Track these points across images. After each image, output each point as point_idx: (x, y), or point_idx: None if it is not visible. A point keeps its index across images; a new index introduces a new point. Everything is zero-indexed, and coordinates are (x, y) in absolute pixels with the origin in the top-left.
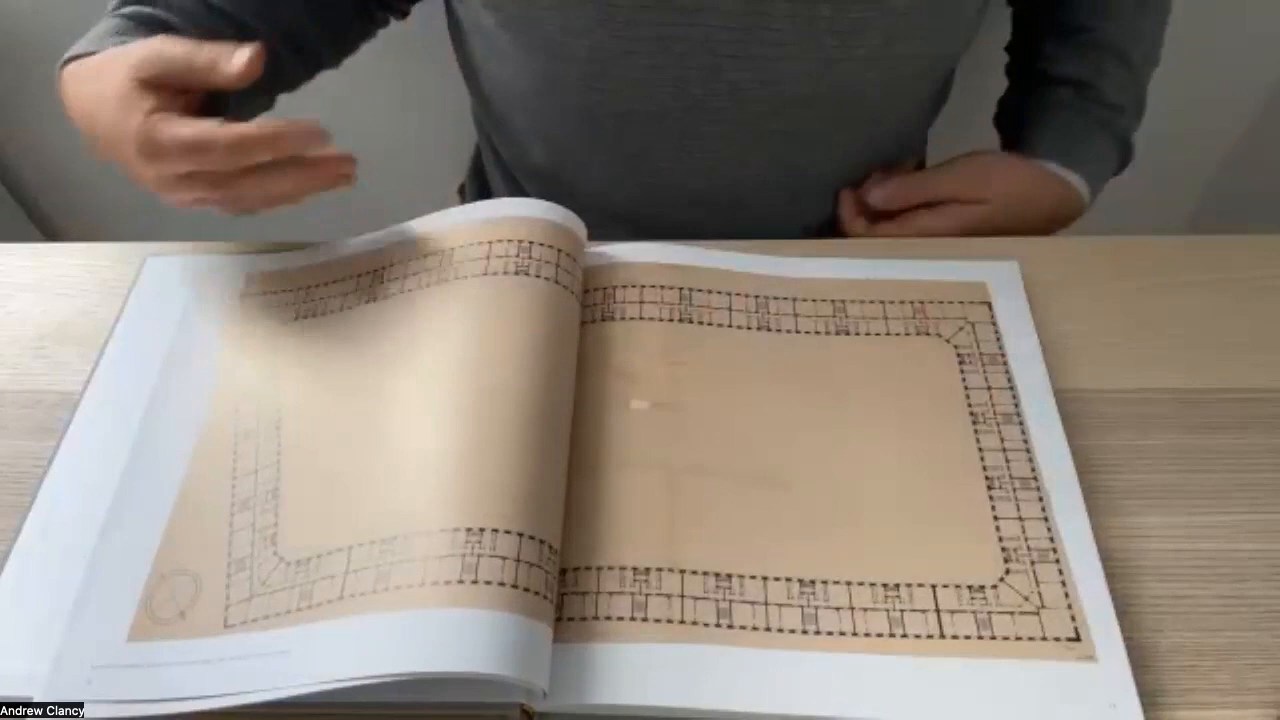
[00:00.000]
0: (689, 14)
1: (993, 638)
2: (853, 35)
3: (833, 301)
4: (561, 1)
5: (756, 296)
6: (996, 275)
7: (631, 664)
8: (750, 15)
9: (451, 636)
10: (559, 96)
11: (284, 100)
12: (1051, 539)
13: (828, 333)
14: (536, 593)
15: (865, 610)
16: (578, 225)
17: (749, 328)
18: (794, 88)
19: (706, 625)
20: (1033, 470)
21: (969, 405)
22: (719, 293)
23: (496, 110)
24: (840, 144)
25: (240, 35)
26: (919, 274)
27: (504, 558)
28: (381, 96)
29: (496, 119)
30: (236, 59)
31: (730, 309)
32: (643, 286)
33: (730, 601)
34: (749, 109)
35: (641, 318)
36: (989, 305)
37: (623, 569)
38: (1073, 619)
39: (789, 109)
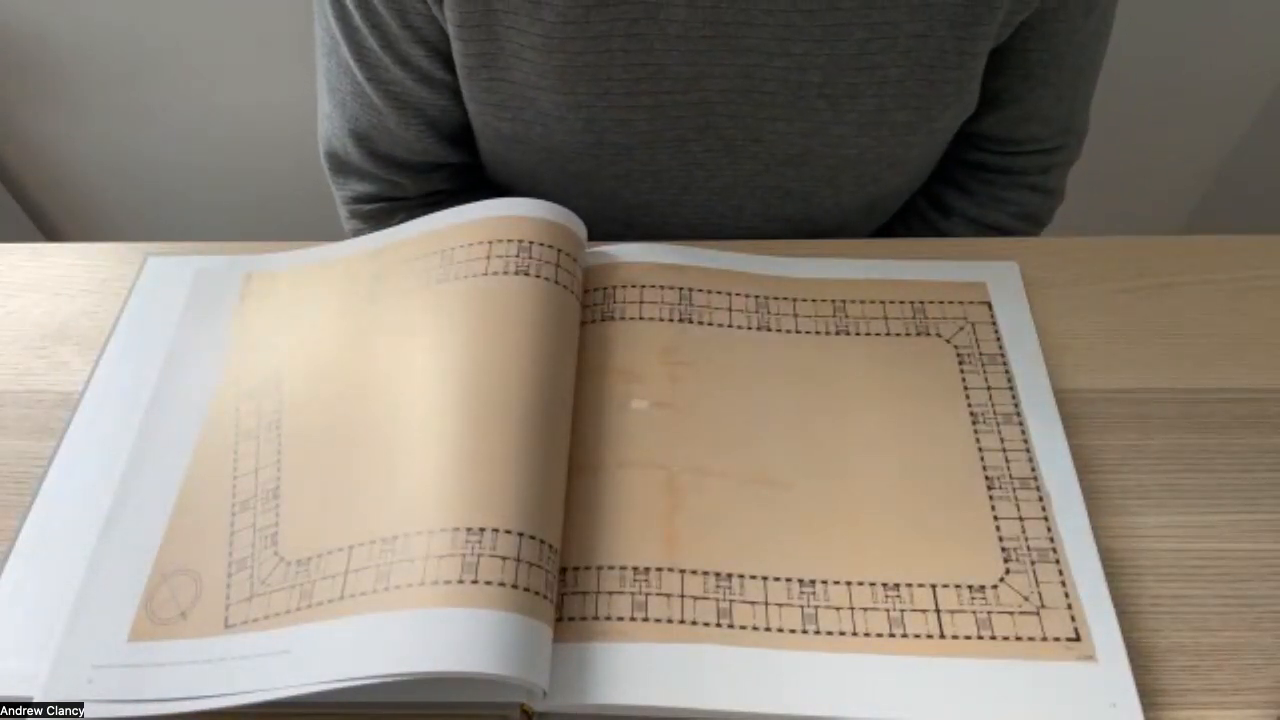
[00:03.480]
0: (685, 82)
1: (993, 638)
2: (845, 100)
3: (833, 301)
4: (556, 83)
5: (756, 296)
6: (996, 275)
7: (631, 664)
8: (743, 79)
9: (451, 636)
10: (557, 163)
11: (280, 98)
12: (1051, 539)
13: (828, 333)
14: (536, 592)
15: (865, 610)
16: (578, 225)
17: (749, 328)
18: (786, 148)
19: (706, 625)
20: (1033, 470)
21: (969, 405)
22: (719, 293)
23: (495, 170)
24: (834, 200)
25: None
26: (919, 274)
27: (504, 557)
28: None
29: (495, 181)
30: None
31: (730, 309)
32: (643, 286)
33: (730, 601)
34: (743, 165)
35: (641, 318)
36: (989, 305)
37: (623, 569)
38: (1072, 619)
39: (782, 167)
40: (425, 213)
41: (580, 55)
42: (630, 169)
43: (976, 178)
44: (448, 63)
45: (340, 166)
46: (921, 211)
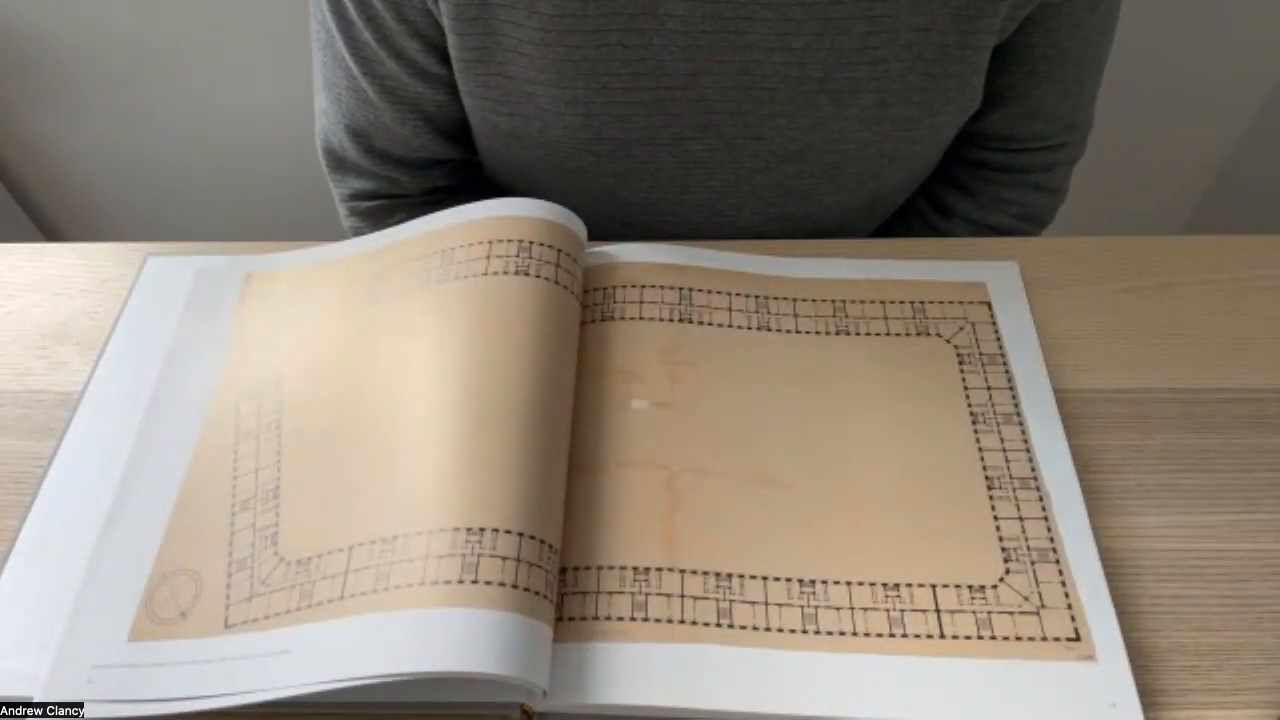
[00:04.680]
0: (685, 77)
1: (993, 638)
2: (845, 95)
3: (833, 301)
4: (553, 77)
5: (756, 296)
6: (996, 275)
7: (631, 664)
8: (743, 74)
9: (451, 636)
10: (555, 160)
11: (280, 98)
12: (1051, 539)
13: (828, 333)
14: (536, 593)
15: (865, 610)
16: (578, 225)
17: (749, 328)
18: (786, 144)
19: (706, 625)
20: (1033, 470)
21: (969, 405)
22: (719, 293)
23: (493, 168)
24: (835, 198)
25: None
26: (919, 274)
27: (504, 557)
28: None
29: (494, 181)
30: None
31: (730, 309)
32: (643, 286)
33: (730, 601)
34: (743, 163)
35: (641, 318)
36: (989, 305)
37: (623, 569)
38: (1072, 619)
39: (782, 164)
40: (424, 211)
41: (578, 49)
42: (629, 167)
43: (979, 176)
44: (444, 57)
45: (338, 163)
46: (922, 212)
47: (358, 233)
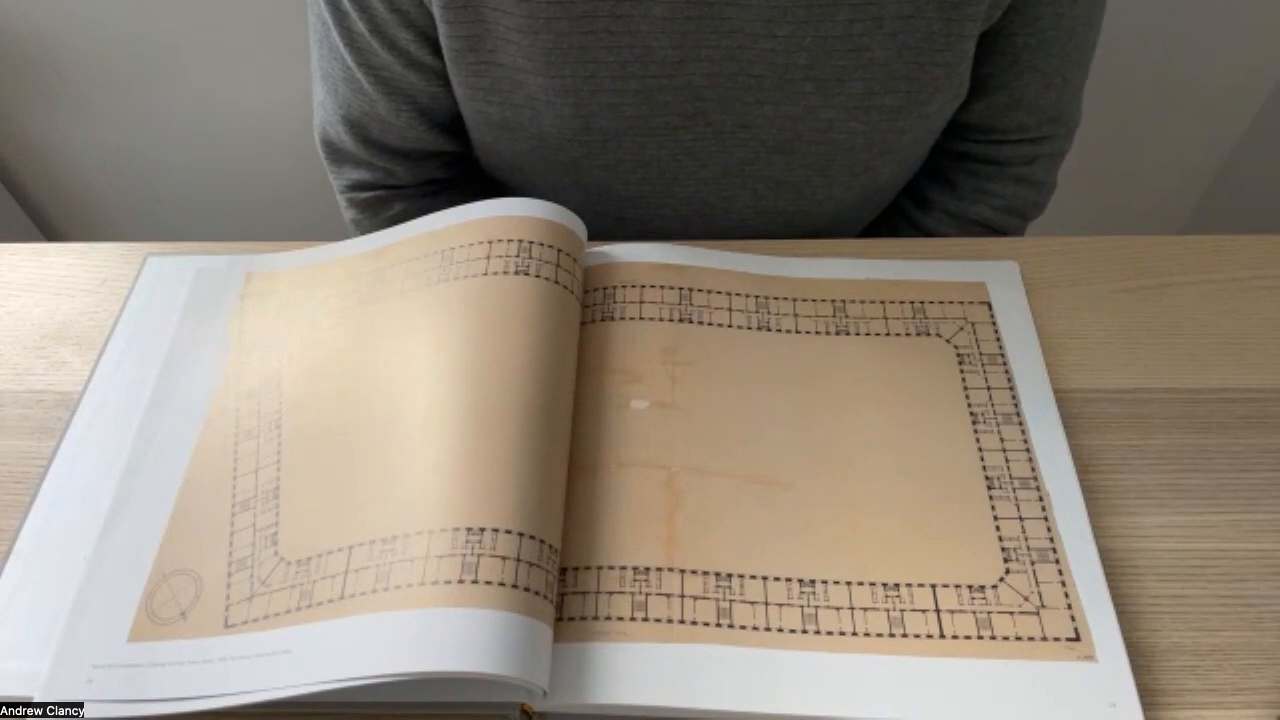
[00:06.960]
0: (672, 66)
1: (993, 638)
2: (832, 83)
3: (833, 301)
4: (542, 65)
5: (756, 296)
6: (996, 275)
7: (631, 664)
8: (729, 61)
9: (452, 636)
10: (548, 152)
11: (280, 98)
12: (1051, 539)
13: (828, 333)
14: (537, 592)
15: (865, 610)
16: (578, 225)
17: (749, 328)
18: (775, 133)
19: (706, 625)
20: (1033, 470)
21: (969, 405)
22: (719, 293)
23: (488, 162)
24: (826, 191)
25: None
26: (919, 274)
27: (504, 557)
28: None
29: (488, 173)
30: None
31: (730, 309)
32: (643, 286)
33: (730, 601)
34: (733, 153)
35: (641, 318)
36: (989, 305)
37: (623, 569)
38: (1072, 619)
39: (772, 155)
40: (422, 201)
41: (566, 36)
42: (619, 158)
43: (961, 169)
44: (436, 48)
45: (335, 154)
46: (903, 207)
47: (357, 223)
